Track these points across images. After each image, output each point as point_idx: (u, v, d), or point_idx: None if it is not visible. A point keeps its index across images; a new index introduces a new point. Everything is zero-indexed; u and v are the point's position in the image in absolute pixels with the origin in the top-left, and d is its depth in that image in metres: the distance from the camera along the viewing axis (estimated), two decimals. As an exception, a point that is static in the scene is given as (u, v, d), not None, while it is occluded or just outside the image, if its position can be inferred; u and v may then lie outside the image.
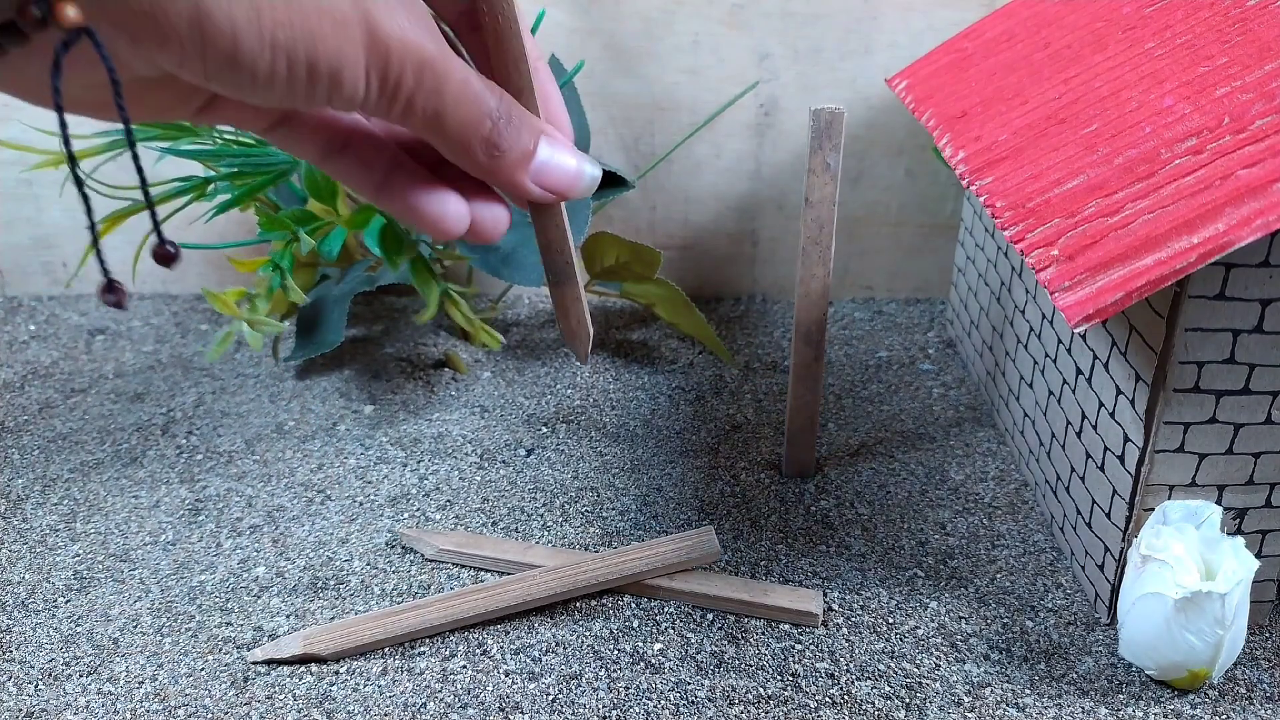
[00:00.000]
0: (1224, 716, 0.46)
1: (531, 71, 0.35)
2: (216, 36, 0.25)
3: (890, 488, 0.61)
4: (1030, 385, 0.60)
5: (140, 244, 0.64)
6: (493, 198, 0.36)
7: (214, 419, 0.67)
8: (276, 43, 0.26)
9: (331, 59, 0.27)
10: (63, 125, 0.25)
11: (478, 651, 0.49)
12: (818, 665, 0.48)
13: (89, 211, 0.26)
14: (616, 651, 0.49)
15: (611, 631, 0.50)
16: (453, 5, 0.34)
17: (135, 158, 0.26)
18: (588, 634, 0.50)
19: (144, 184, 0.27)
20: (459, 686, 0.47)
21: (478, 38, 0.34)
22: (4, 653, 0.49)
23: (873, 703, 0.46)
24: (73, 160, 0.25)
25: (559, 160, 0.34)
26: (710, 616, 0.51)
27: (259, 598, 0.52)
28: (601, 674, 0.47)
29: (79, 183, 0.26)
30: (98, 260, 0.26)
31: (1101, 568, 0.50)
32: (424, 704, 0.46)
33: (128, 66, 0.26)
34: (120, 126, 0.61)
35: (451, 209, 0.34)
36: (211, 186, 0.63)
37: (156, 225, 0.27)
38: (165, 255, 0.27)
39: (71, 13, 0.23)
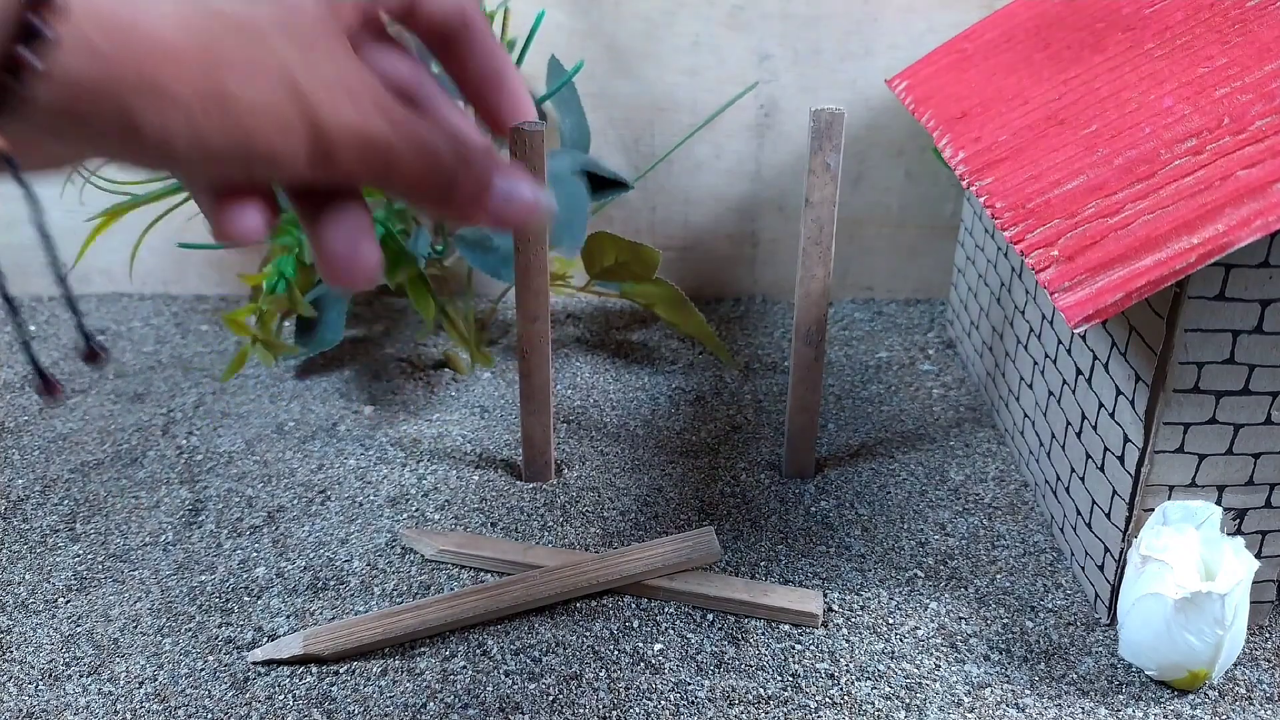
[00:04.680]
0: (1224, 716, 0.46)
1: (501, 77, 0.37)
2: (148, 145, 0.25)
3: (890, 488, 0.61)
4: (1030, 386, 0.60)
5: (137, 242, 0.64)
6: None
7: (214, 419, 0.67)
8: (210, 149, 0.26)
9: (269, 155, 0.27)
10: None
11: (478, 651, 0.49)
12: (818, 665, 0.48)
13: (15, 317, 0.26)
14: (616, 651, 0.49)
15: (611, 631, 0.50)
16: (425, 19, 0.35)
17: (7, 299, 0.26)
18: (588, 634, 0.50)
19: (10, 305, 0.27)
20: (459, 686, 0.47)
21: (451, 50, 0.36)
22: (4, 653, 0.49)
23: (873, 703, 0.46)
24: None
25: (517, 194, 0.35)
26: (710, 616, 0.51)
27: (259, 598, 0.52)
28: (601, 674, 0.47)
29: (7, 299, 0.26)
30: (31, 364, 0.27)
31: (1101, 568, 0.50)
32: (424, 704, 0.46)
33: (66, 157, 0.26)
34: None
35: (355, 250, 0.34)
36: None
37: (80, 325, 0.28)
38: (93, 355, 0.28)
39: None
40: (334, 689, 0.47)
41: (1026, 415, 0.61)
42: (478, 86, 0.38)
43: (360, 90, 0.29)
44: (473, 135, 0.35)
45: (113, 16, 0.24)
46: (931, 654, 0.49)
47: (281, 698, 0.46)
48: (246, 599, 0.52)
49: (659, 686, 0.47)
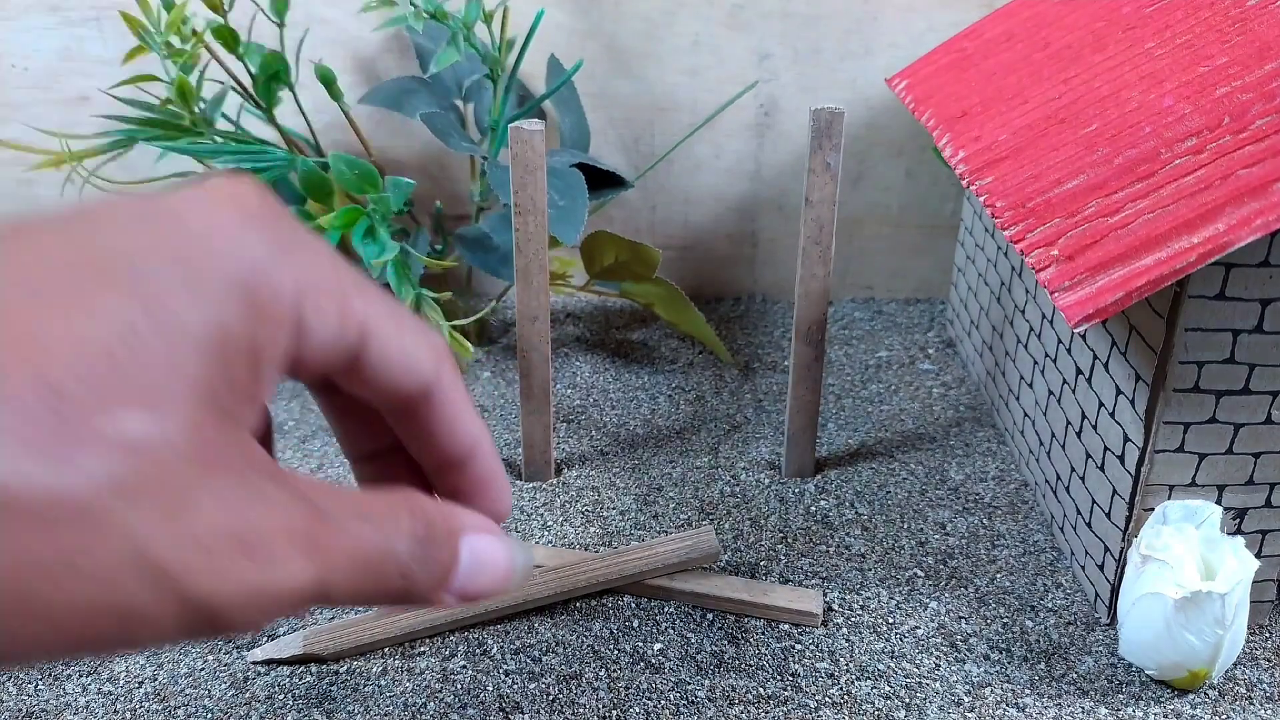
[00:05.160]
0: (1224, 716, 0.46)
1: (470, 459, 0.31)
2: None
3: (890, 488, 0.61)
4: (1030, 385, 0.60)
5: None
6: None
7: (214, 419, 0.66)
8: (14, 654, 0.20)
9: (111, 640, 0.21)
10: None
11: (478, 651, 0.49)
12: (818, 665, 0.48)
13: None
14: (616, 651, 0.49)
15: (611, 631, 0.50)
16: (371, 386, 0.28)
17: None
18: (588, 634, 0.50)
19: None
20: (459, 686, 0.47)
21: (408, 421, 0.30)
22: (4, 653, 0.49)
23: (873, 703, 0.46)
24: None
25: (487, 562, 0.29)
26: (710, 616, 0.51)
27: (259, 598, 0.52)
28: (601, 674, 0.47)
29: None
30: None
31: (1101, 568, 0.50)
32: (424, 704, 0.46)
33: None
34: (120, 126, 0.61)
35: None
36: (211, 186, 0.63)
37: None
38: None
39: None
40: (334, 689, 0.47)
41: (1026, 415, 0.61)
42: (439, 465, 0.31)
43: (269, 527, 0.23)
44: (430, 503, 0.28)
45: None
46: (931, 653, 0.49)
47: (281, 697, 0.46)
48: (246, 599, 0.52)
49: (659, 686, 0.47)
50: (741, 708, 0.46)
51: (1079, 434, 0.53)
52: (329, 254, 0.26)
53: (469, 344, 0.64)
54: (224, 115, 0.65)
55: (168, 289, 0.22)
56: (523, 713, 0.45)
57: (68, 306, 0.21)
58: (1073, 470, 0.53)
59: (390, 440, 0.31)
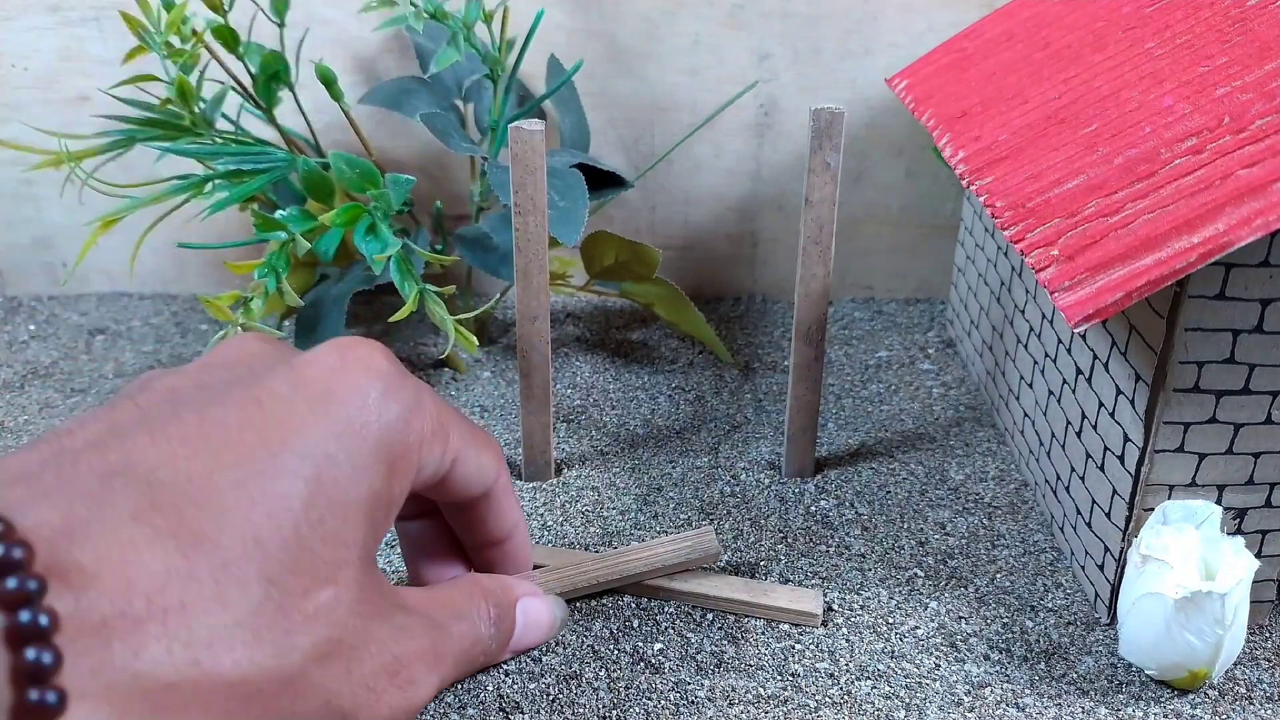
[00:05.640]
0: (1224, 716, 0.46)
1: (509, 539, 0.38)
2: None
3: (890, 488, 0.61)
4: (1030, 385, 0.60)
5: (138, 243, 0.64)
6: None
7: (214, 419, 0.66)
8: None
9: None
10: None
11: (477, 651, 0.49)
12: (818, 665, 0.48)
13: None
14: (616, 651, 0.49)
15: (611, 631, 0.50)
16: (451, 494, 0.34)
17: None
18: (588, 634, 0.50)
19: None
20: (459, 686, 0.47)
21: (465, 514, 0.36)
22: (4, 653, 0.49)
23: (873, 703, 0.46)
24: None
25: (535, 621, 0.37)
26: (710, 616, 0.51)
27: (259, 598, 0.52)
28: (601, 674, 0.47)
29: None
30: None
31: (1101, 568, 0.50)
32: (424, 704, 0.46)
33: None
34: (120, 126, 0.61)
35: None
36: (209, 185, 0.63)
37: None
38: None
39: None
40: (334, 689, 0.47)
41: (1026, 415, 0.61)
42: (481, 543, 0.38)
43: (409, 656, 0.28)
44: (490, 583, 0.35)
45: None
46: (931, 653, 0.49)
47: (281, 697, 0.46)
48: (246, 599, 0.52)
49: (659, 686, 0.47)
50: (741, 708, 0.46)
51: (1079, 434, 0.53)
52: (434, 400, 0.31)
53: (474, 338, 0.64)
54: (224, 115, 0.65)
55: (335, 467, 0.26)
56: (523, 713, 0.45)
57: (264, 493, 0.25)
58: (1073, 470, 0.53)
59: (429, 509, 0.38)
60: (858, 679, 0.47)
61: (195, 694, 0.22)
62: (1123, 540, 0.48)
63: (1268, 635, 0.50)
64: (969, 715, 0.45)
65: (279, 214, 0.60)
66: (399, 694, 0.27)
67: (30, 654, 0.21)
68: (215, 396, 0.26)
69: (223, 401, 0.26)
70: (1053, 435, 0.56)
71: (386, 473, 0.27)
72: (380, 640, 0.27)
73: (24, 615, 0.21)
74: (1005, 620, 0.51)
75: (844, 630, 0.50)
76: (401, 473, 0.28)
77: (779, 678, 0.47)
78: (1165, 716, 0.46)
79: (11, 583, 0.21)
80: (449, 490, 0.33)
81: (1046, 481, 0.58)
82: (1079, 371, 0.53)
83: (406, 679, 0.28)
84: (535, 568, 0.52)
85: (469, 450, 0.32)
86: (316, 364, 0.27)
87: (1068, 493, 0.54)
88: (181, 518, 0.23)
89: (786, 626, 0.50)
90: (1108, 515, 0.49)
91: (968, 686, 0.47)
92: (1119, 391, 0.48)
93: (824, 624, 0.50)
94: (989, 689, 0.47)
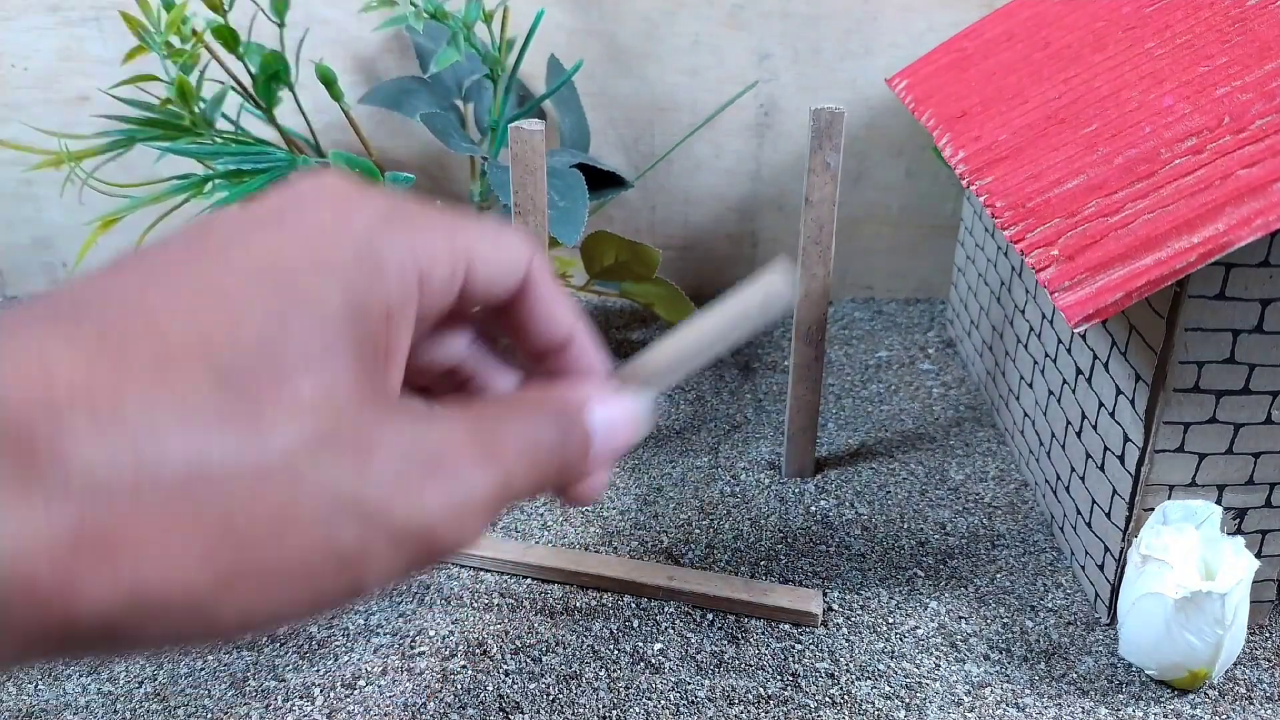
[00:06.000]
0: (1224, 716, 0.46)
1: (570, 341, 0.33)
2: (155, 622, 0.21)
3: (890, 488, 0.61)
4: (1030, 385, 0.60)
5: (138, 243, 0.64)
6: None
7: (214, 419, 0.66)
8: (252, 614, 0.22)
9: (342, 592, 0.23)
10: None
11: (478, 651, 0.49)
12: (818, 665, 0.48)
13: None
14: (616, 651, 0.49)
15: (611, 631, 0.50)
16: (479, 298, 0.29)
17: None
18: (587, 634, 0.50)
19: None
20: (459, 686, 0.47)
21: (509, 317, 0.32)
22: (4, 653, 0.49)
23: (873, 703, 0.46)
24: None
25: (616, 419, 0.30)
26: (710, 616, 0.51)
27: (259, 598, 0.52)
28: (601, 674, 0.47)
29: None
30: None
31: (1101, 568, 0.50)
32: (424, 704, 0.46)
33: None
34: (120, 126, 0.61)
35: None
36: (209, 185, 0.63)
37: None
38: None
39: None
40: (334, 689, 0.47)
41: (1026, 415, 0.61)
42: (542, 352, 0.33)
43: (446, 447, 0.25)
44: (547, 389, 0.30)
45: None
46: (931, 653, 0.49)
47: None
48: (246, 599, 0.52)
49: (659, 686, 0.47)
50: (741, 708, 0.46)
51: (1079, 434, 0.53)
52: (426, 208, 0.28)
53: None
54: (224, 115, 0.65)
55: (304, 277, 0.24)
56: (523, 713, 0.45)
57: (224, 310, 0.22)
58: (1073, 470, 0.53)
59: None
60: (858, 679, 0.47)
61: (149, 488, 0.20)
62: (1123, 540, 0.48)
63: (1268, 635, 0.50)
64: (969, 715, 0.45)
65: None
66: (445, 486, 0.24)
67: None
68: (181, 239, 0.24)
69: (180, 234, 0.24)
70: (1053, 435, 0.56)
71: (371, 277, 0.25)
72: (403, 433, 0.24)
73: None
74: (1005, 620, 0.51)
75: (844, 630, 0.50)
76: (395, 277, 0.26)
77: (779, 678, 0.47)
78: (1165, 716, 0.46)
79: None
80: (477, 293, 0.29)
81: (1046, 481, 0.58)
82: (1079, 371, 0.53)
83: (451, 471, 0.24)
84: (535, 568, 0.52)
85: (483, 243, 0.29)
86: (280, 196, 0.26)
87: (1068, 493, 0.54)
88: (104, 320, 0.21)
89: (786, 626, 0.50)
90: (1108, 515, 0.49)
91: (968, 686, 0.47)
92: (1119, 391, 0.48)
93: (824, 624, 0.50)
94: (989, 689, 0.47)
